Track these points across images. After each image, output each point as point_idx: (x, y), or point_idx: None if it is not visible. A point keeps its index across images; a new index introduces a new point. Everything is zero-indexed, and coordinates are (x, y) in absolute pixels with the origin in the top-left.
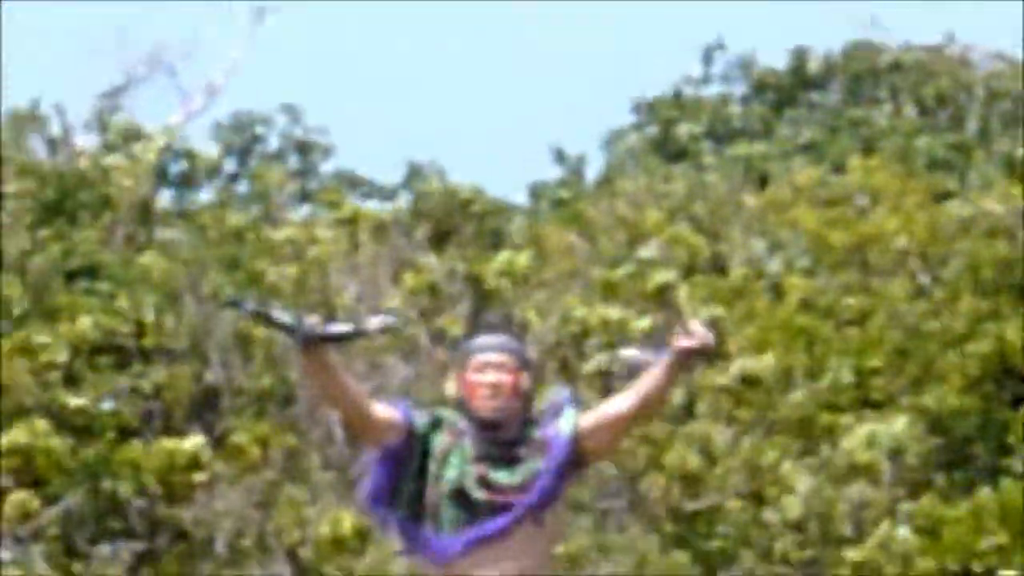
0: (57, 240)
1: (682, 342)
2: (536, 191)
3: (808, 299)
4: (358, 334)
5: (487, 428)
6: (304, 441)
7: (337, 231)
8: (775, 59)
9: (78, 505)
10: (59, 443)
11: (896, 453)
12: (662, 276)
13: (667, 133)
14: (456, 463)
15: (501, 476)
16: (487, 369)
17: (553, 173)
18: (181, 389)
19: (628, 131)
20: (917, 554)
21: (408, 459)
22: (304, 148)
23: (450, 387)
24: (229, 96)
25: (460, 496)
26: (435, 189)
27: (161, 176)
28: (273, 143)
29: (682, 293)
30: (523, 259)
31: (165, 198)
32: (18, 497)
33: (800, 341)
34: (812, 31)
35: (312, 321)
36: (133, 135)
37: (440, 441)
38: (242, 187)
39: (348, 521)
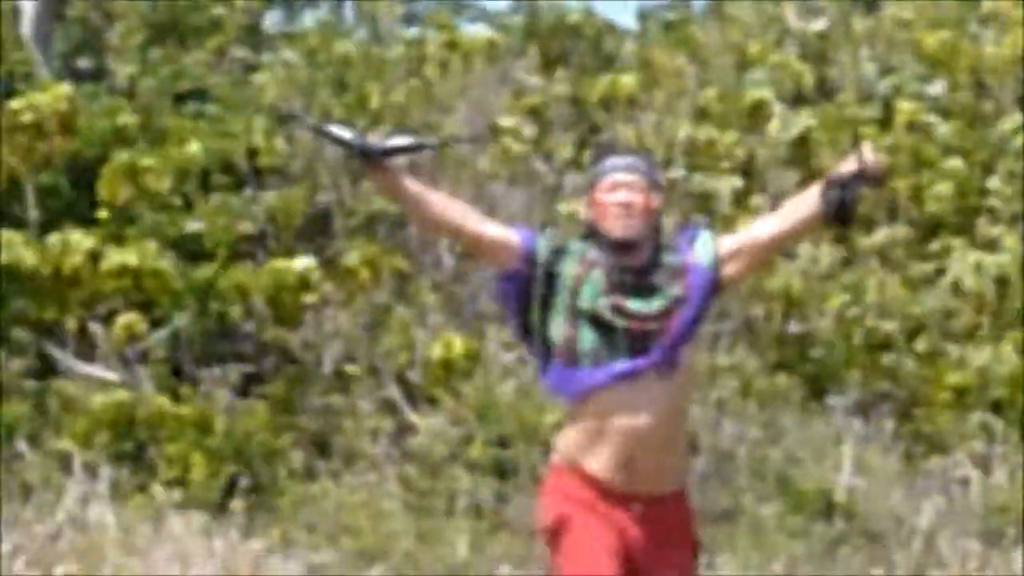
0: (167, 63)
1: (850, 165)
2: (644, 14)
3: (917, 122)
4: (418, 147)
5: (619, 250)
6: (414, 264)
7: (447, 53)
8: None
9: (186, 327)
10: (168, 265)
11: (1002, 282)
12: (756, 94)
13: None
14: (590, 293)
15: (637, 305)
16: (618, 189)
17: None
18: (293, 211)
19: None
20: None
21: (531, 285)
22: None
23: (581, 211)
24: None
25: (598, 324)
26: (545, 11)
27: None
28: None
29: (776, 110)
30: (628, 80)
31: (271, 21)
32: (126, 319)
33: (906, 164)
34: None
35: (373, 137)
36: None
37: (570, 269)
38: (347, 10)
39: (458, 344)
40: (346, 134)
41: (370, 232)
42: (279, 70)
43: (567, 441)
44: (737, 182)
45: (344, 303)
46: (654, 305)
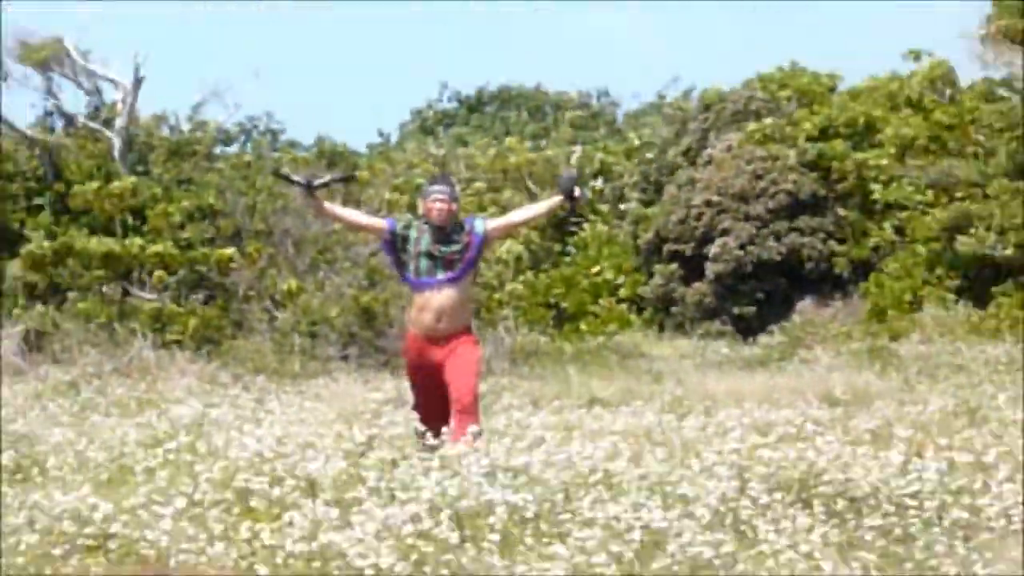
0: None
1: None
2: None
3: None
4: (332, 181)
5: (437, 229)
6: None
7: None
8: None
9: None
10: None
11: None
12: None
13: None
14: (425, 242)
15: (445, 248)
16: (437, 200)
17: None
18: None
19: None
20: None
21: (397, 243)
22: None
23: (419, 209)
24: None
25: (428, 255)
26: None
27: None
28: None
29: None
30: None
31: None
32: None
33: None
34: None
35: (309, 177)
36: None
37: (415, 232)
38: None
39: None
40: (298, 177)
41: None
42: None
43: (410, 315)
44: None
45: None
46: (453, 248)
